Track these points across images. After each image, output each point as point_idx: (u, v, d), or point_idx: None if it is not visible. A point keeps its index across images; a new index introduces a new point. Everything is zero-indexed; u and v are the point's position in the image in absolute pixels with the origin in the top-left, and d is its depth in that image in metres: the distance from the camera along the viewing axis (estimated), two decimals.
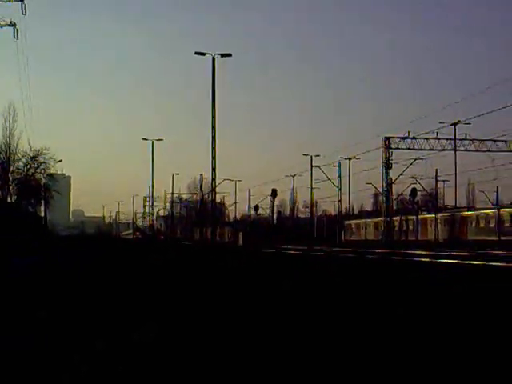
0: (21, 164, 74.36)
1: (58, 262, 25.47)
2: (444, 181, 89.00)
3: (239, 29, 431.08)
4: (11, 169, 73.17)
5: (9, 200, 71.98)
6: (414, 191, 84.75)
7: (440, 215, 78.93)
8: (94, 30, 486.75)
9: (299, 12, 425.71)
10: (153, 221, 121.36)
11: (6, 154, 71.80)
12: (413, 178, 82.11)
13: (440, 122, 68.71)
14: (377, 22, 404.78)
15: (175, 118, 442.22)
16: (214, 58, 55.21)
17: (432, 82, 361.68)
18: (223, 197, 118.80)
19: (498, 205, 78.48)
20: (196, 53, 55.78)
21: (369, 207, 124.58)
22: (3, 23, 71.87)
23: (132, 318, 8.63)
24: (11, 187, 73.95)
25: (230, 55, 56.22)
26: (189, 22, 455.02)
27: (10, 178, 73.32)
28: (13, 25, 72.35)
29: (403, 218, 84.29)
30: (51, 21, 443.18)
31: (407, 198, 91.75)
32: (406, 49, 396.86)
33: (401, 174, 73.94)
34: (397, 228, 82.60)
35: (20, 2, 71.53)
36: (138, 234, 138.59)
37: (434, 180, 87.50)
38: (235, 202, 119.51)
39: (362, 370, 5.53)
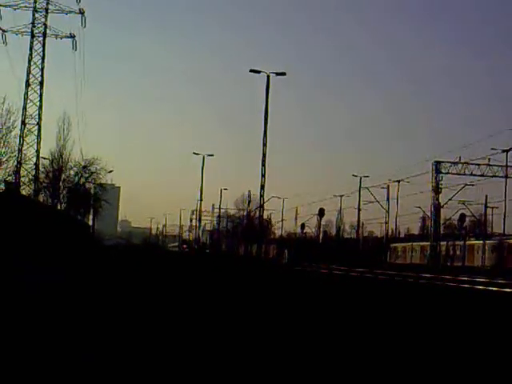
0: (72, 173, 75.61)
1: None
2: (493, 207, 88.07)
3: (295, 47, 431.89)
4: (62, 177, 74.37)
5: (59, 207, 73.11)
6: (462, 217, 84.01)
7: (488, 242, 78.03)
8: (149, 44, 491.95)
9: (354, 34, 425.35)
10: (199, 235, 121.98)
11: (58, 163, 73.00)
12: (462, 203, 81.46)
13: (492, 149, 68.17)
14: (432, 46, 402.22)
15: (227, 134, 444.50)
16: (268, 77, 55.57)
17: (486, 107, 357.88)
18: (270, 214, 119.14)
19: None
20: (251, 70, 56.17)
21: (415, 231, 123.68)
22: (63, 35, 73.43)
23: None
24: (62, 195, 75.12)
25: (284, 74, 56.54)
26: (244, 39, 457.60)
27: (61, 186, 74.49)
28: (72, 36, 73.90)
29: (450, 243, 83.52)
30: (109, 34, 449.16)
31: (455, 223, 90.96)
32: (461, 74, 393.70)
33: (450, 199, 73.51)
34: (443, 253, 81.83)
35: (80, 15, 73.17)
36: (185, 246, 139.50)
37: (484, 206, 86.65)
38: (282, 220, 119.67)
39: None
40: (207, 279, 24.64)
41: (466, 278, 38.44)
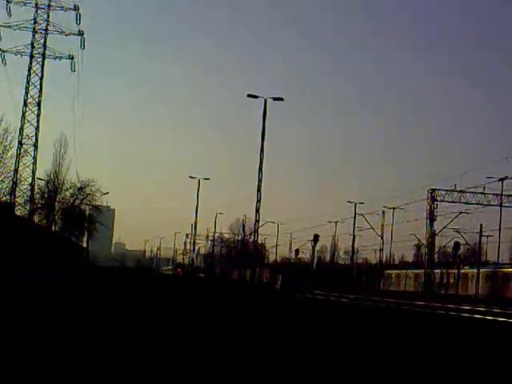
0: (68, 194, 75.47)
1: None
2: (488, 236, 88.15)
3: (293, 69, 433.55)
4: (58, 198, 74.27)
5: (53, 229, 72.96)
6: (456, 245, 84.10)
7: (482, 270, 78.06)
8: (144, 66, 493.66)
9: (351, 56, 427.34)
10: (193, 258, 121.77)
11: (54, 184, 72.95)
12: (456, 231, 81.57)
13: (487, 177, 68.40)
14: (432, 71, 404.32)
15: (223, 157, 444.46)
16: (265, 101, 55.61)
17: (483, 135, 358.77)
18: (264, 239, 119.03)
19: None
20: (248, 95, 56.27)
21: (410, 258, 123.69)
22: (62, 56, 73.65)
23: None
24: (56, 216, 74.99)
25: (281, 99, 56.64)
26: (240, 62, 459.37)
27: (56, 208, 74.38)
28: (71, 58, 74.15)
29: (444, 271, 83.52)
30: (106, 55, 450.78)
31: (450, 250, 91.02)
32: (460, 100, 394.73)
33: (444, 227, 73.80)
34: (437, 281, 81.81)
35: (80, 36, 73.48)
36: (179, 270, 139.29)
37: (478, 235, 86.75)
38: (276, 245, 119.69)
39: None
40: (198, 301, 24.59)
41: (452, 306, 38.42)
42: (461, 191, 68.70)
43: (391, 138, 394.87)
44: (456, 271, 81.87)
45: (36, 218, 71.55)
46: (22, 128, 70.66)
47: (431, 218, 70.38)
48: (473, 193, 68.73)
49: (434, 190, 69.89)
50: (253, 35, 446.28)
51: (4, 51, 72.30)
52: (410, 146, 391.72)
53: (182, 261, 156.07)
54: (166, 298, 25.87)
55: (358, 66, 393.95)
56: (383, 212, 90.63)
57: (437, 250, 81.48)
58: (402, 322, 21.28)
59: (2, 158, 56.37)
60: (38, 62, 72.75)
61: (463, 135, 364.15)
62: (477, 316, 27.39)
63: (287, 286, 78.56)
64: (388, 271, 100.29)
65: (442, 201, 69.92)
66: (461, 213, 72.32)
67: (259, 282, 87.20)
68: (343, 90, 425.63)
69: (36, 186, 71.71)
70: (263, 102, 55.47)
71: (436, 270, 79.39)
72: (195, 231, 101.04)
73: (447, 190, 69.28)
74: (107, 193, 78.96)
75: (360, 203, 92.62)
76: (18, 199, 67.87)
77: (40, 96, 72.02)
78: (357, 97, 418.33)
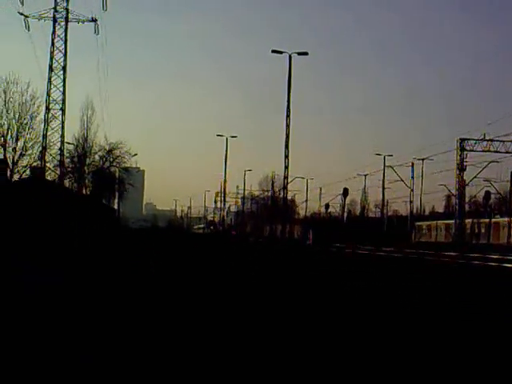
0: (97, 157, 75.95)
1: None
2: None
3: (316, 27, 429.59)
4: (87, 162, 74.75)
5: (84, 192, 73.57)
6: (487, 194, 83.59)
7: None
8: (170, 24, 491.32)
9: (372, 13, 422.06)
10: (224, 216, 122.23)
11: (82, 148, 73.39)
12: (487, 180, 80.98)
13: None
14: (456, 23, 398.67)
15: (250, 115, 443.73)
16: (290, 57, 55.48)
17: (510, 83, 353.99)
18: (294, 194, 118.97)
19: None
20: (273, 51, 56.06)
21: (440, 209, 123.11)
22: (85, 19, 73.66)
23: None
24: (87, 180, 75.55)
25: (306, 54, 56.37)
26: (264, 19, 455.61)
27: (86, 171, 74.89)
28: (94, 20, 74.11)
29: (475, 220, 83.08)
30: (130, 15, 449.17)
31: (480, 200, 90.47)
32: (487, 52, 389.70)
33: (475, 177, 73.15)
34: (468, 231, 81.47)
35: None
36: (212, 228, 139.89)
37: (509, 183, 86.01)
38: (306, 200, 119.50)
39: None
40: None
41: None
42: (490, 140, 68.02)
43: (417, 90, 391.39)
44: (487, 221, 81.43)
45: (66, 182, 72.21)
46: (48, 93, 70.99)
47: (461, 168, 69.85)
48: (503, 141, 68.00)
49: (463, 140, 69.25)
50: None
51: (27, 16, 72.41)
52: (436, 98, 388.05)
53: (212, 219, 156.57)
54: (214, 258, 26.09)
55: (376, 18, 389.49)
56: (412, 164, 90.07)
57: (467, 200, 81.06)
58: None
59: (30, 123, 56.87)
60: (61, 26, 72.85)
61: (490, 83, 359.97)
62: None
63: (319, 240, 78.75)
64: (419, 223, 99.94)
65: (471, 150, 69.33)
66: (490, 162, 71.70)
67: (290, 238, 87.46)
68: (366, 42, 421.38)
69: (65, 151, 72.23)
70: (287, 57, 55.34)
71: (467, 220, 79.01)
72: (225, 189, 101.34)
73: (476, 140, 68.63)
74: (136, 154, 79.27)
75: (389, 155, 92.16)
76: (48, 164, 68.49)
77: (65, 60, 72.24)
78: (380, 50, 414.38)
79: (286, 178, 58.37)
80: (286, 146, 56.03)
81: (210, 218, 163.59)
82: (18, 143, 56.18)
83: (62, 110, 71.81)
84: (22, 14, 72.43)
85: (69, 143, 73.00)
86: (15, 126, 56.10)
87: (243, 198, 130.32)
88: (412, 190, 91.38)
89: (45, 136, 68.88)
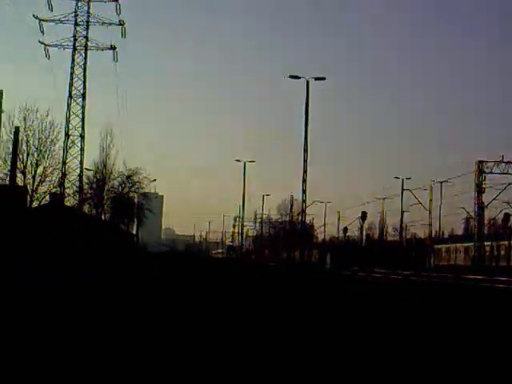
0: (116, 183, 76.44)
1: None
2: None
3: (332, 53, 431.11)
4: (106, 187, 75.21)
5: (103, 218, 73.97)
6: (506, 216, 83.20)
7: None
8: (187, 52, 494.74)
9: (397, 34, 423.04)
10: (242, 241, 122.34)
11: (102, 173, 73.87)
12: (506, 202, 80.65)
13: None
14: (472, 36, 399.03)
15: (268, 141, 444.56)
16: (307, 82, 55.82)
17: None
18: (312, 218, 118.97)
19: None
20: (290, 76, 56.45)
21: (459, 232, 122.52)
22: (104, 47, 74.45)
23: None
24: (106, 205, 75.97)
25: (324, 78, 56.70)
26: (281, 46, 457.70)
27: (105, 197, 75.34)
28: (113, 48, 74.87)
29: (494, 243, 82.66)
30: (149, 43, 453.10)
31: (500, 223, 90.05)
32: (504, 68, 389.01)
33: (494, 199, 72.92)
34: (488, 253, 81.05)
35: (120, 26, 74.12)
36: (231, 253, 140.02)
37: None
38: (324, 224, 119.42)
39: None
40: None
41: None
42: (509, 162, 67.97)
43: (434, 112, 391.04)
44: (507, 243, 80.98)
45: (86, 208, 72.64)
46: (68, 120, 71.66)
47: (479, 190, 69.75)
48: None
49: (481, 162, 69.23)
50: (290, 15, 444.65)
51: (47, 45, 73.32)
52: (455, 120, 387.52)
53: (231, 244, 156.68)
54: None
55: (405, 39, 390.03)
56: (431, 187, 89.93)
57: (486, 222, 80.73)
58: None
59: (49, 150, 57.35)
60: (80, 54, 73.67)
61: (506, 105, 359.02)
62: None
63: (336, 264, 78.68)
64: (437, 246, 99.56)
65: (489, 173, 69.29)
66: (509, 184, 71.51)
67: (309, 262, 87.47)
68: (383, 65, 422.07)
69: (84, 177, 72.74)
70: (305, 82, 55.70)
71: (486, 243, 78.64)
72: (243, 214, 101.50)
73: (495, 162, 68.60)
74: (155, 180, 79.77)
75: (407, 178, 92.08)
76: (67, 190, 68.95)
77: (84, 87, 72.94)
78: (399, 70, 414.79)
79: (304, 201, 58.63)
80: (305, 171, 56.29)
81: (228, 242, 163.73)
82: (38, 170, 56.63)
83: (82, 136, 72.45)
84: (42, 42, 73.43)
85: (88, 169, 73.59)
86: (35, 154, 56.62)
87: (261, 222, 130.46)
88: (430, 213, 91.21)
89: (64, 162, 69.48)
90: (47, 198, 58.98)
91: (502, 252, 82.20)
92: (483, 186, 70.02)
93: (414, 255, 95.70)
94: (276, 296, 19.43)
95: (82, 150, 72.22)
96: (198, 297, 17.78)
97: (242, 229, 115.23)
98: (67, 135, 71.31)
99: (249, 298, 18.54)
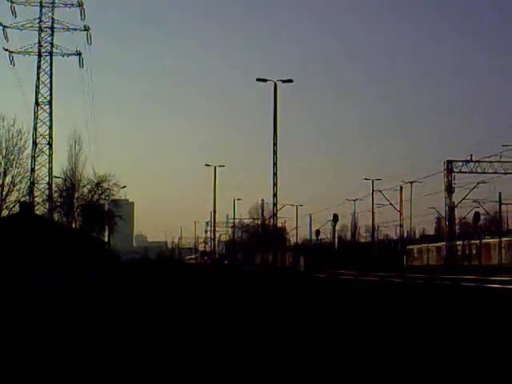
0: (85, 190, 75.84)
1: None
2: (507, 204, 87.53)
3: (300, 53, 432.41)
4: (76, 195, 74.61)
5: (73, 226, 73.32)
6: (476, 215, 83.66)
7: (504, 239, 77.58)
8: (154, 54, 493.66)
9: (360, 38, 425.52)
10: (214, 246, 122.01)
11: (71, 181, 73.27)
12: (476, 201, 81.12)
13: (503, 145, 67.78)
14: (445, 43, 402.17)
15: (236, 144, 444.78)
16: (275, 84, 55.73)
17: (496, 104, 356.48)
18: (284, 221, 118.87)
19: None
20: (258, 79, 56.39)
21: (431, 232, 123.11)
22: (69, 52, 73.86)
23: None
24: (76, 213, 75.33)
25: (291, 81, 56.63)
26: (244, 50, 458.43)
27: (75, 205, 74.72)
28: (79, 54, 74.32)
29: (466, 242, 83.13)
30: (115, 46, 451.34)
31: (470, 222, 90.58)
32: (471, 72, 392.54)
33: (464, 198, 73.27)
34: (460, 253, 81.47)
35: (85, 31, 73.61)
36: (206, 258, 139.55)
37: (498, 204, 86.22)
38: (296, 227, 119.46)
39: None
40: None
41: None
42: (477, 161, 68.29)
43: (401, 112, 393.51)
44: (478, 242, 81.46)
45: (56, 217, 72.00)
46: (35, 128, 71.03)
47: (449, 189, 70.03)
48: (489, 162, 68.23)
49: (450, 162, 69.50)
50: (262, 20, 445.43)
51: (12, 52, 72.60)
52: (422, 120, 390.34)
53: (204, 249, 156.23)
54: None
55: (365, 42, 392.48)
56: (401, 187, 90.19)
57: (457, 221, 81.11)
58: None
59: (17, 158, 56.76)
60: (46, 61, 73.07)
61: (477, 105, 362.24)
62: None
63: (310, 267, 78.74)
64: (410, 246, 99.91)
65: (459, 172, 69.58)
66: (479, 183, 71.90)
67: (281, 266, 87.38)
68: (350, 71, 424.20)
69: (54, 185, 72.13)
70: (273, 85, 55.61)
71: (458, 242, 79.01)
72: (215, 219, 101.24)
73: (464, 161, 68.89)
74: (125, 186, 79.26)
75: (377, 180, 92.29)
76: (36, 198, 68.31)
77: (51, 94, 72.41)
78: (365, 73, 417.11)
79: (275, 205, 58.36)
80: (274, 173, 56.12)
81: (201, 248, 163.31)
82: (6, 179, 56.03)
83: (50, 144, 71.84)
84: (6, 49, 72.70)
85: (57, 177, 72.99)
86: (2, 162, 56.01)
87: (233, 226, 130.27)
88: (401, 214, 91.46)
89: (33, 170, 68.81)
90: (17, 207, 58.37)
91: (473, 251, 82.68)
92: (453, 185, 70.28)
93: (388, 256, 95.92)
94: (253, 298, 19.26)
95: (50, 157, 71.71)
96: (170, 306, 17.53)
97: (214, 234, 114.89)
98: (35, 143, 70.68)
99: (224, 302, 18.32)
